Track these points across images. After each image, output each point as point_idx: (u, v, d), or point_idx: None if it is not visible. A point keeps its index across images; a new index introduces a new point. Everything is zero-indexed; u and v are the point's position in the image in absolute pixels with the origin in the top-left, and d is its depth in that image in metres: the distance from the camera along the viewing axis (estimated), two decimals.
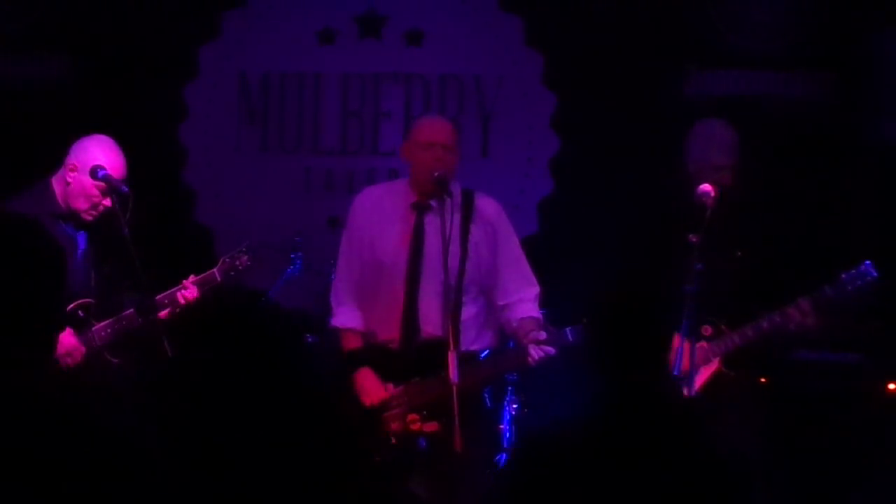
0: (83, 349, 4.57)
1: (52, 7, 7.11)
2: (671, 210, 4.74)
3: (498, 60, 7.02)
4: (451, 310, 4.53)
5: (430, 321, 4.62)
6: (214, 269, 4.71)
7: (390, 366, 4.66)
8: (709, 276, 4.34)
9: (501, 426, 5.98)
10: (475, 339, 4.68)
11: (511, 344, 4.80)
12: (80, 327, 4.60)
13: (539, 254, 4.99)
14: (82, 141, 4.64)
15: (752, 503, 3.05)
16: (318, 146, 7.18)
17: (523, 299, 4.70)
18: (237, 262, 4.71)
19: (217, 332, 2.49)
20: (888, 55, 6.57)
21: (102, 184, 4.52)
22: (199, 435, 2.43)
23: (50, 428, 2.21)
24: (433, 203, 4.63)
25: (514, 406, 6.05)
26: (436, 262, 4.53)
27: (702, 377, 4.56)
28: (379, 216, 4.77)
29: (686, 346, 4.26)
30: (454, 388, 4.28)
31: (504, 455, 5.78)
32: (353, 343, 4.75)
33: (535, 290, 4.75)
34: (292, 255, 6.41)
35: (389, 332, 4.68)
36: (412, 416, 4.58)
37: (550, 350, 4.50)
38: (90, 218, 4.61)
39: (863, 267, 4.47)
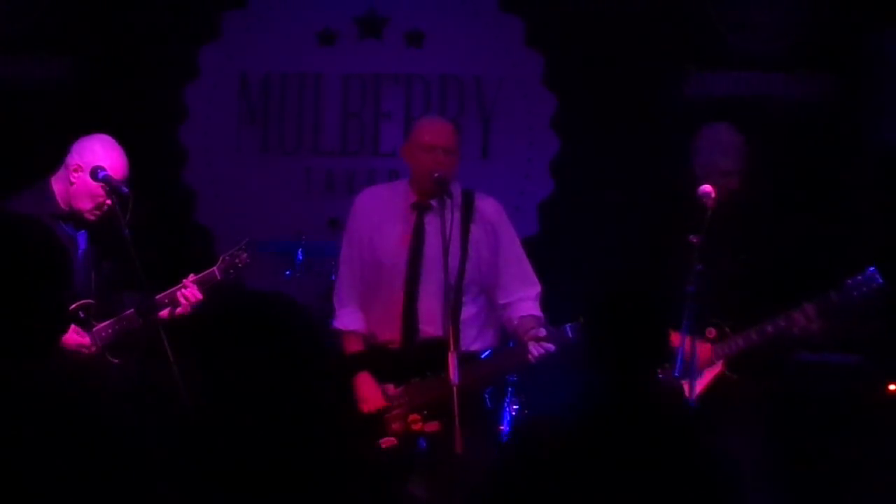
0: (90, 341, 4.57)
1: (52, 8, 7.11)
2: (673, 211, 4.74)
3: (498, 61, 7.02)
4: (451, 310, 4.53)
5: (430, 321, 4.61)
6: (214, 268, 4.69)
7: (390, 366, 4.66)
8: (714, 278, 4.34)
9: (502, 427, 5.98)
10: (476, 339, 4.67)
11: (512, 344, 4.79)
12: (81, 328, 4.59)
13: (539, 255, 4.98)
14: (84, 141, 4.62)
15: (749, 502, 3.05)
16: (318, 147, 7.18)
17: (524, 298, 4.69)
18: (237, 260, 4.69)
19: (217, 333, 2.48)
20: (888, 56, 6.57)
21: (103, 184, 4.51)
22: (199, 435, 2.43)
23: (52, 428, 2.21)
24: (433, 203, 4.63)
25: (515, 407, 6.05)
26: (436, 262, 4.52)
27: (705, 380, 4.57)
28: (379, 216, 4.76)
29: (687, 346, 4.26)
30: (454, 389, 4.28)
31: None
32: (354, 346, 4.74)
33: (537, 289, 4.74)
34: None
35: (389, 333, 4.68)
36: (413, 416, 4.58)
37: (550, 347, 4.50)
38: (93, 218, 4.60)
39: (868, 273, 4.46)
